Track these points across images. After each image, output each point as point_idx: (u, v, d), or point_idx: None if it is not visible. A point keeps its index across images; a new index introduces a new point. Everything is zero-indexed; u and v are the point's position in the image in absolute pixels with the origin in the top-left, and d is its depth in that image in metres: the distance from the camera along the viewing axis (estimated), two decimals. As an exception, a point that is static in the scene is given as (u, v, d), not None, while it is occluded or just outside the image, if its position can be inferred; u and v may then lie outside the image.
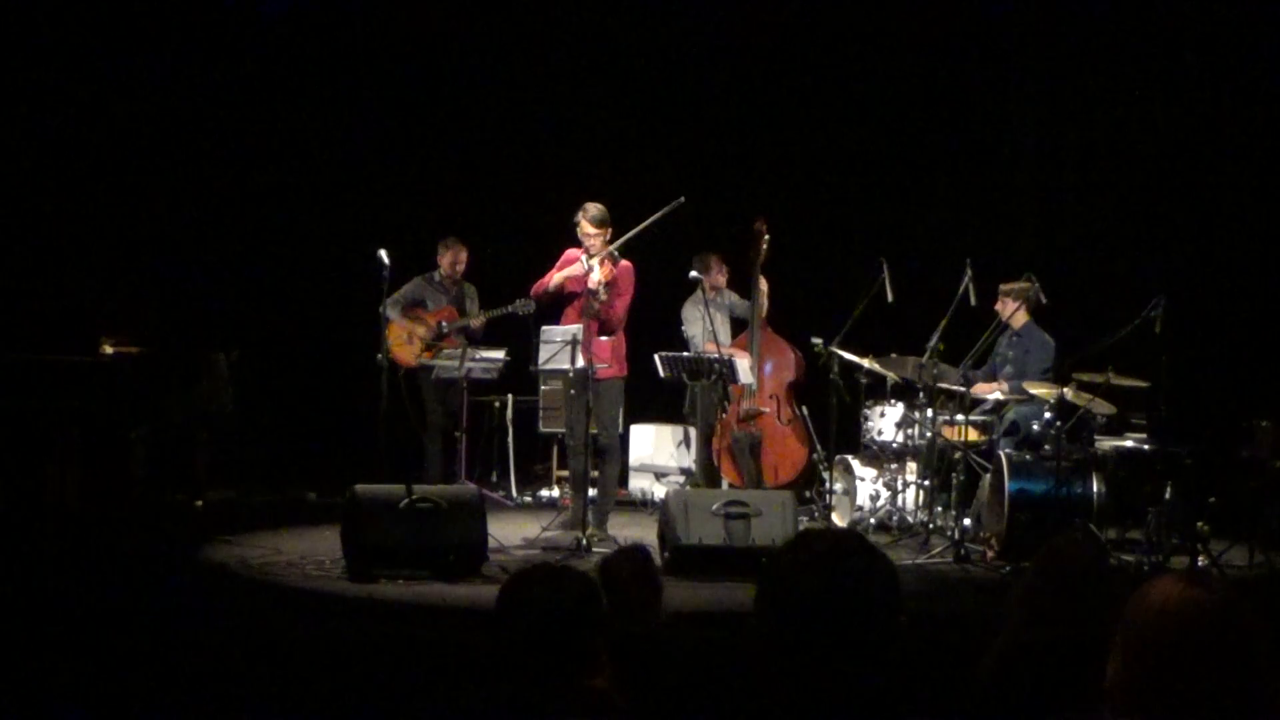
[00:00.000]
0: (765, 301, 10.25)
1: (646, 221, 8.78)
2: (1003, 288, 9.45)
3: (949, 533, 8.99)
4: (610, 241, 8.92)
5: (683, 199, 8.70)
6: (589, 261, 8.84)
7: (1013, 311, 9.41)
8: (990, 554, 8.65)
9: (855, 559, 2.28)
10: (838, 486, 9.94)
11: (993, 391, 9.28)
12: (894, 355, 9.72)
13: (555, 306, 9.15)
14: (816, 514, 9.86)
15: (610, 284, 8.89)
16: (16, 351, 9.39)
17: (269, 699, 5.12)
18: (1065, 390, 8.59)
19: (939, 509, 9.37)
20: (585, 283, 8.84)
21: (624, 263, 8.99)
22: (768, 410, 10.28)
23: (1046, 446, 8.66)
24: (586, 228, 8.89)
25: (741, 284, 10.32)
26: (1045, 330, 9.54)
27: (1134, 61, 11.42)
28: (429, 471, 9.86)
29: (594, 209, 8.92)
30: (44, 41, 11.14)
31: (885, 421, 9.80)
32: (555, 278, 9.02)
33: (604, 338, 8.94)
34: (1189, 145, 11.14)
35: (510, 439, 11.55)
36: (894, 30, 11.87)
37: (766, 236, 10.00)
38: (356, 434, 10.39)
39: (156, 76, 11.44)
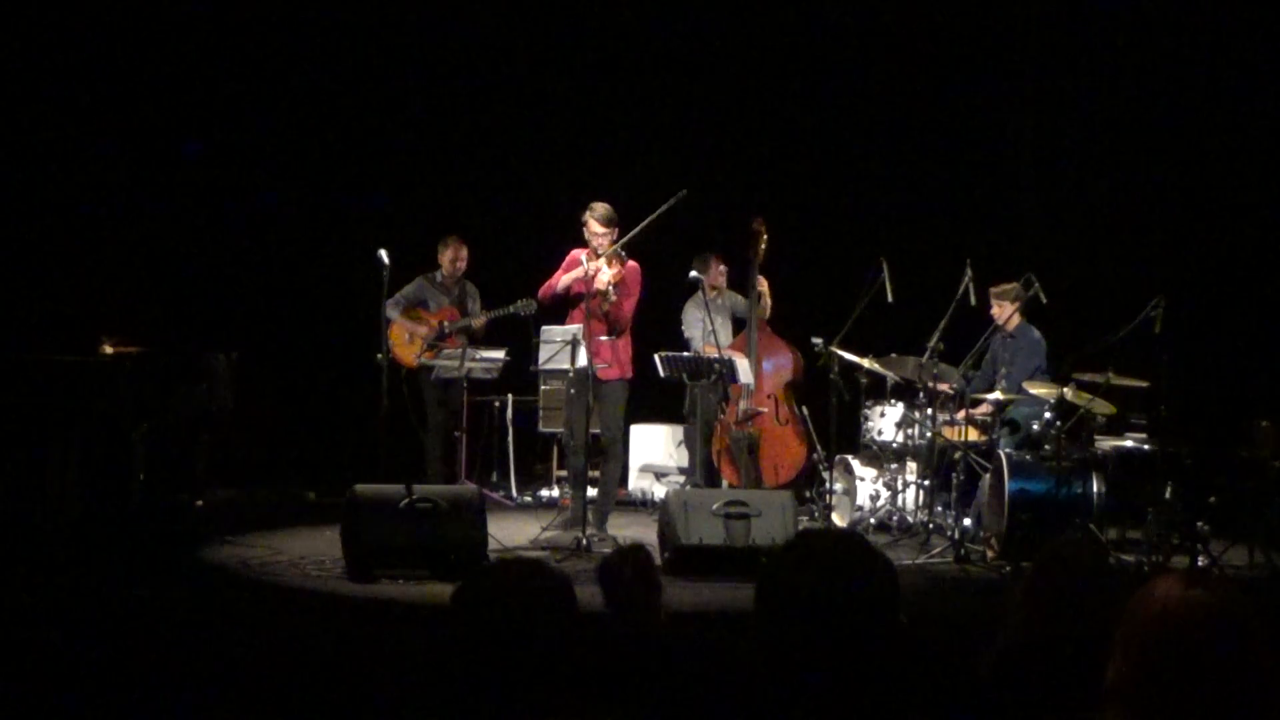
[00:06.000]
0: (768, 301, 10.25)
1: (650, 217, 8.76)
2: (993, 290, 9.45)
3: (949, 533, 8.99)
4: (616, 240, 8.91)
5: (684, 192, 8.68)
6: (591, 264, 8.83)
7: (1009, 314, 9.42)
8: (990, 554, 8.65)
9: (855, 559, 2.28)
10: (838, 486, 9.94)
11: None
12: (894, 355, 9.73)
13: (560, 308, 9.14)
14: (816, 514, 9.86)
15: (619, 284, 8.88)
16: (16, 351, 9.39)
17: (269, 699, 5.12)
18: (1065, 390, 8.58)
19: (939, 509, 9.37)
20: (591, 284, 8.83)
21: (631, 263, 8.98)
22: (765, 410, 10.27)
23: (1046, 446, 8.66)
24: (594, 227, 8.87)
25: (741, 284, 10.34)
26: (1043, 329, 9.54)
27: (1134, 60, 11.41)
28: (429, 471, 9.86)
29: (601, 208, 8.90)
30: (44, 41, 11.14)
31: (885, 421, 9.80)
32: (563, 280, 8.99)
33: (605, 338, 8.94)
34: (1189, 144, 11.14)
35: (510, 439, 11.55)
36: (894, 29, 11.86)
37: (765, 236, 10.00)
38: (356, 434, 10.39)
39: (154, 76, 11.44)
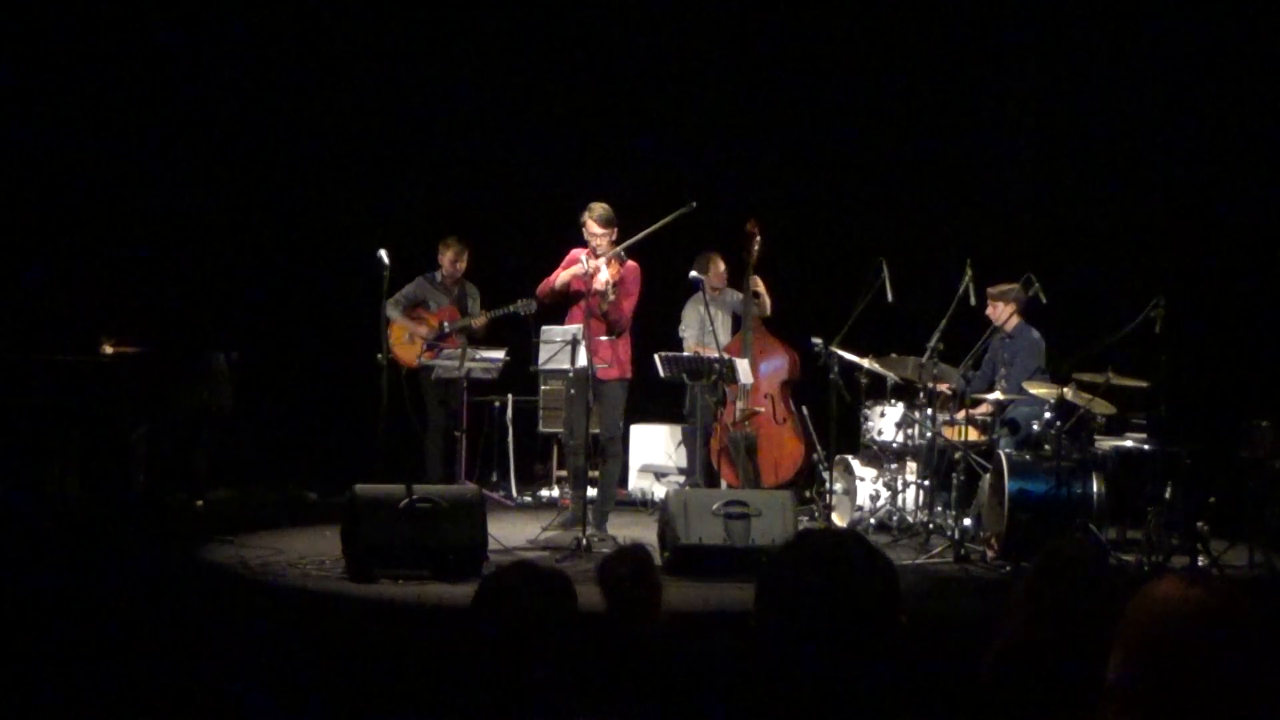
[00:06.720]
0: (767, 300, 10.25)
1: (655, 225, 8.77)
2: (991, 291, 9.45)
3: (949, 533, 8.99)
4: (617, 242, 8.90)
5: (694, 204, 8.69)
6: (591, 263, 8.82)
7: (1007, 315, 9.42)
8: (990, 554, 8.65)
9: (855, 559, 2.28)
10: (838, 486, 9.94)
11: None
12: (894, 355, 9.72)
13: (559, 307, 9.14)
14: (816, 514, 9.86)
15: (618, 284, 8.87)
16: (16, 351, 9.40)
17: (269, 699, 5.12)
18: (1065, 390, 8.58)
19: (939, 509, 9.37)
20: (590, 282, 8.83)
21: (631, 263, 8.98)
22: (763, 410, 10.27)
23: (1046, 446, 8.66)
24: (593, 227, 8.86)
25: (738, 285, 10.34)
26: (1041, 329, 9.54)
27: (1134, 60, 11.41)
28: (429, 471, 9.85)
29: (600, 209, 8.89)
30: (44, 41, 11.14)
31: (885, 421, 9.79)
32: (561, 277, 8.99)
33: (606, 338, 8.93)
34: (1189, 144, 11.14)
35: (510, 439, 11.55)
36: (893, 29, 11.86)
37: (758, 237, 10.00)
38: (356, 434, 10.39)
39: (156, 76, 11.44)
